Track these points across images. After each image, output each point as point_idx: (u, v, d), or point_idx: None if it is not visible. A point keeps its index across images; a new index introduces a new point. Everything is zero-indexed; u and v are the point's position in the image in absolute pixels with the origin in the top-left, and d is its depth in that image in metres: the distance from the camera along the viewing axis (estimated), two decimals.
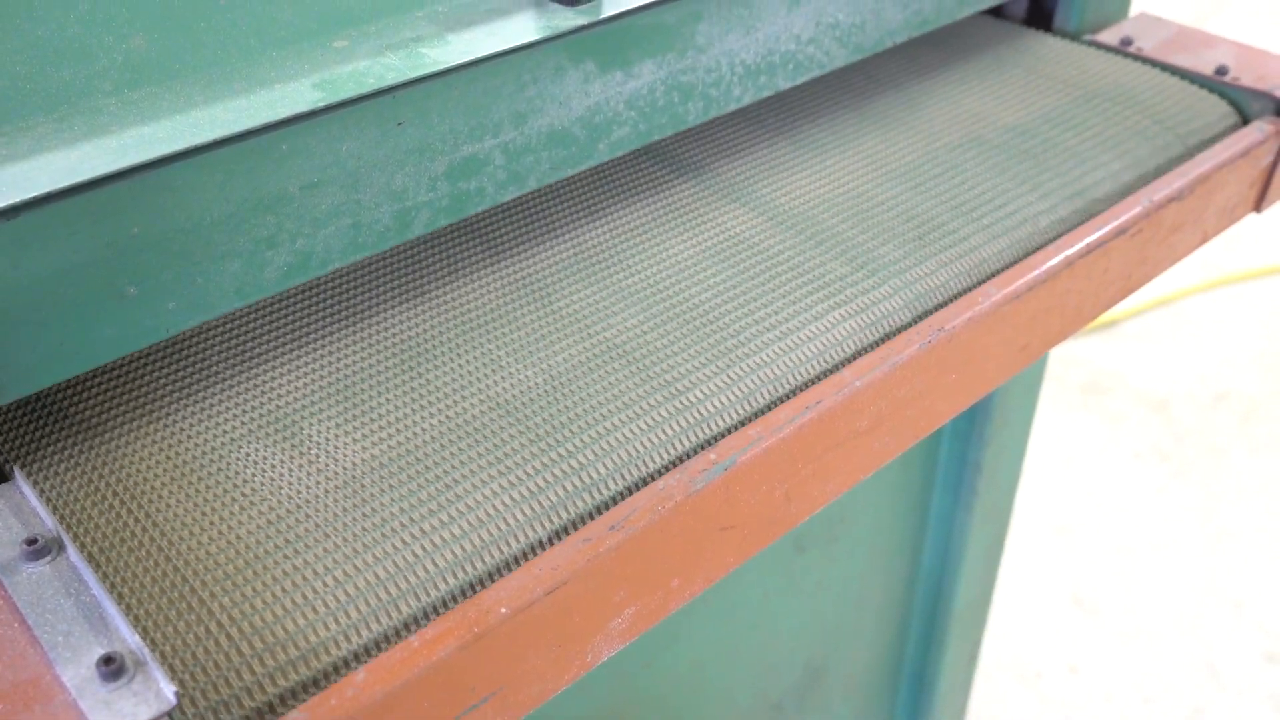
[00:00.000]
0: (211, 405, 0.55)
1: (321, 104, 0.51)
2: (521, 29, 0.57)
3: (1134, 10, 0.95)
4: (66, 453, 0.51)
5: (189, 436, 0.52)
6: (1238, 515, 1.86)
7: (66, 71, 0.51)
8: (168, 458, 0.51)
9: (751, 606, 1.02)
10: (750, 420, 0.54)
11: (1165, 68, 0.85)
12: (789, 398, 0.56)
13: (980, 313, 0.61)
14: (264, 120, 0.50)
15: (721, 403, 0.55)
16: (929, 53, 0.89)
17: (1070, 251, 0.66)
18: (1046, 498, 1.91)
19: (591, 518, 0.49)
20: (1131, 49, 0.87)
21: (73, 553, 0.44)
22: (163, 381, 0.56)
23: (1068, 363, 2.19)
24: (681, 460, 0.52)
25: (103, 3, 0.52)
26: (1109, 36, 0.89)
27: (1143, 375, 2.17)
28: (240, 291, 0.52)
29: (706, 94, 0.67)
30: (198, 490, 0.49)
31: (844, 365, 0.57)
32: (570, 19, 0.58)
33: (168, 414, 0.54)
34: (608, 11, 0.59)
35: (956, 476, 1.14)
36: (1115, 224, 0.68)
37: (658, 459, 0.52)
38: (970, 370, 0.63)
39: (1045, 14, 0.93)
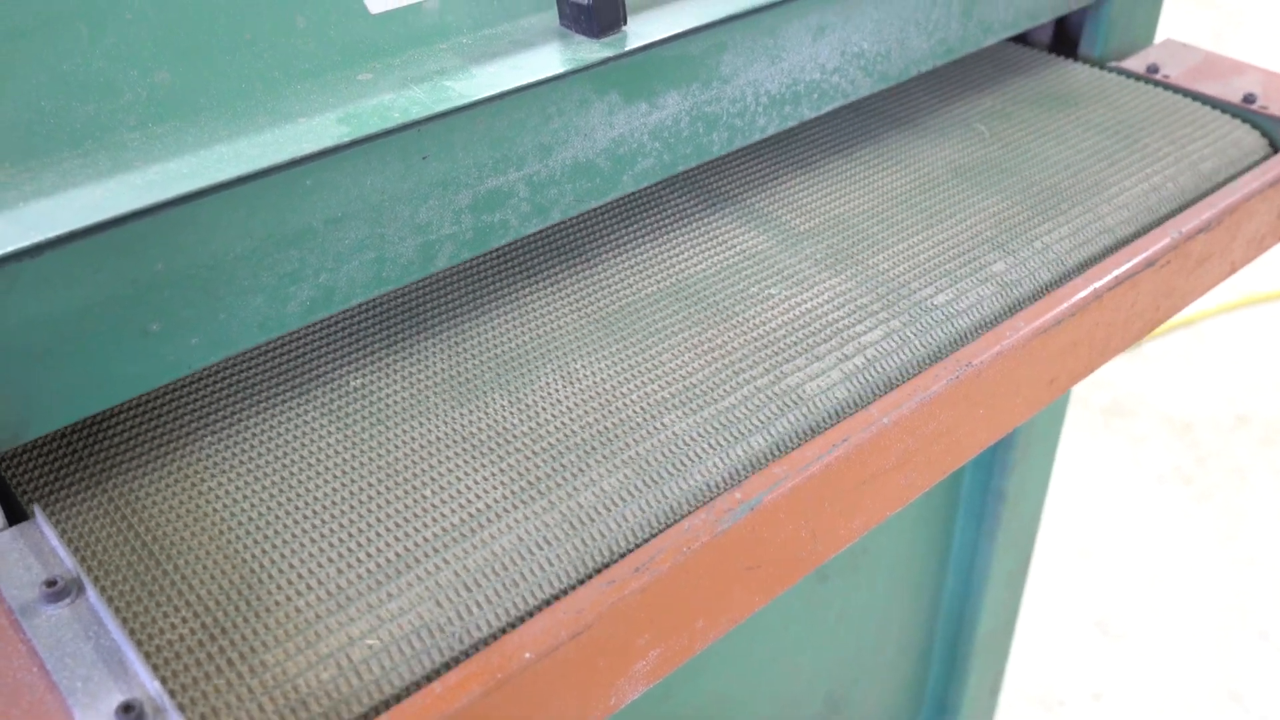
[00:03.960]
0: (235, 442, 0.54)
1: (346, 139, 0.51)
2: (546, 61, 0.57)
3: (1159, 35, 0.94)
4: (89, 491, 0.51)
5: (212, 475, 0.52)
6: (1262, 539, 1.84)
7: (91, 106, 0.51)
8: (190, 497, 0.51)
9: (772, 637, 1.01)
10: (778, 456, 0.54)
11: (1192, 95, 0.84)
12: (818, 432, 0.55)
13: (1008, 347, 0.60)
14: (288, 156, 0.50)
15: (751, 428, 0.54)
16: (953, 80, 0.88)
17: (1099, 284, 0.65)
18: (1069, 521, 1.89)
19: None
20: (1158, 76, 0.86)
21: (92, 595, 0.44)
22: (186, 418, 0.55)
23: (1090, 385, 2.17)
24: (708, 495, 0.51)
25: (127, 37, 0.52)
26: (1135, 64, 0.88)
27: (1165, 397, 2.15)
28: (263, 326, 0.52)
29: (731, 124, 0.66)
30: (220, 532, 0.49)
31: (871, 402, 0.56)
32: (595, 51, 0.58)
33: (191, 451, 0.53)
34: (633, 43, 0.59)
35: (979, 505, 1.13)
36: (1143, 256, 0.67)
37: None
38: (998, 405, 0.62)
39: (1070, 40, 0.92)
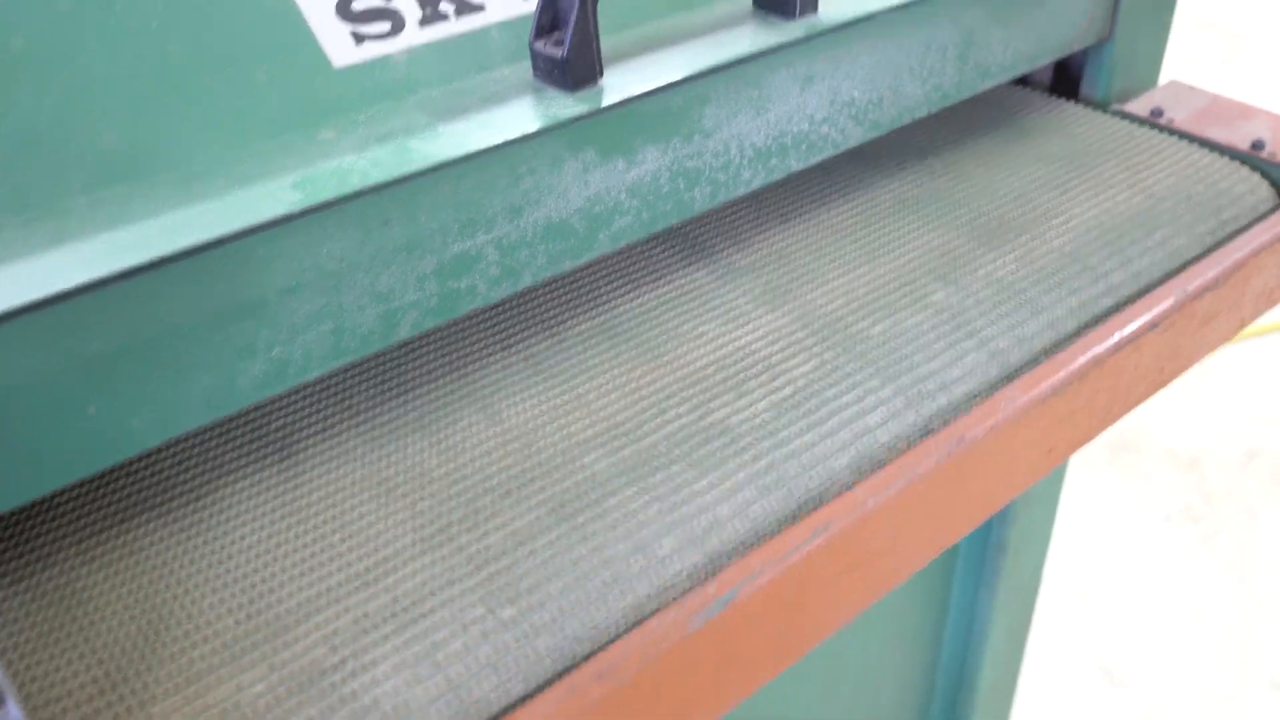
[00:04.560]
0: (144, 486, 0.52)
1: (299, 207, 0.48)
2: (517, 118, 0.54)
3: (1164, 75, 0.91)
4: (19, 584, 0.48)
5: (120, 520, 0.50)
6: (1272, 581, 1.80)
7: (35, 168, 0.48)
8: (128, 590, 0.48)
9: (764, 697, 0.98)
10: (756, 543, 0.51)
11: (1198, 141, 0.81)
12: (798, 518, 0.52)
13: (1003, 420, 0.57)
14: (239, 226, 0.47)
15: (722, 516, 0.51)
16: (950, 123, 0.85)
17: (1099, 349, 0.62)
18: (1072, 561, 1.85)
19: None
20: (1162, 120, 0.84)
21: (12, 708, 0.41)
22: (123, 501, 0.53)
23: None
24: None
25: (75, 94, 0.49)
26: (1139, 107, 0.86)
27: (1172, 432, 2.11)
28: (211, 405, 0.49)
29: (714, 179, 0.64)
30: (124, 581, 0.47)
31: (856, 482, 0.53)
32: (569, 107, 0.55)
33: (128, 537, 0.51)
34: (610, 98, 0.56)
35: (979, 557, 1.10)
36: (1146, 318, 0.64)
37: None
38: (992, 479, 0.59)
39: (1072, 82, 0.89)
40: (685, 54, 0.60)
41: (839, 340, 0.63)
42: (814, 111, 0.67)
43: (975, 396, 0.60)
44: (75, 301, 0.44)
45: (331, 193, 0.49)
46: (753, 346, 0.63)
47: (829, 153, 0.70)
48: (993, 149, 0.82)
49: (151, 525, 0.50)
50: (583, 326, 0.64)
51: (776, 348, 0.62)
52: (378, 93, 0.56)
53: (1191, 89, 0.88)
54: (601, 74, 0.57)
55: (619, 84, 0.57)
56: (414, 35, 0.58)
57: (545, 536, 0.50)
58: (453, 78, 0.58)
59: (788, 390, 0.59)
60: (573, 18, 0.55)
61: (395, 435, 0.57)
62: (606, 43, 0.61)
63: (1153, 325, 0.64)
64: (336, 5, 0.56)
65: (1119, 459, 2.06)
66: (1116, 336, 0.62)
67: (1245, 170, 0.78)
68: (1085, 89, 0.89)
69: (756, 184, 0.66)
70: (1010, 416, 0.57)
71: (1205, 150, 0.80)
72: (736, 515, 0.52)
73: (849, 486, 0.53)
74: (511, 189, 0.55)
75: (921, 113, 0.74)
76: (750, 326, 0.64)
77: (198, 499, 0.52)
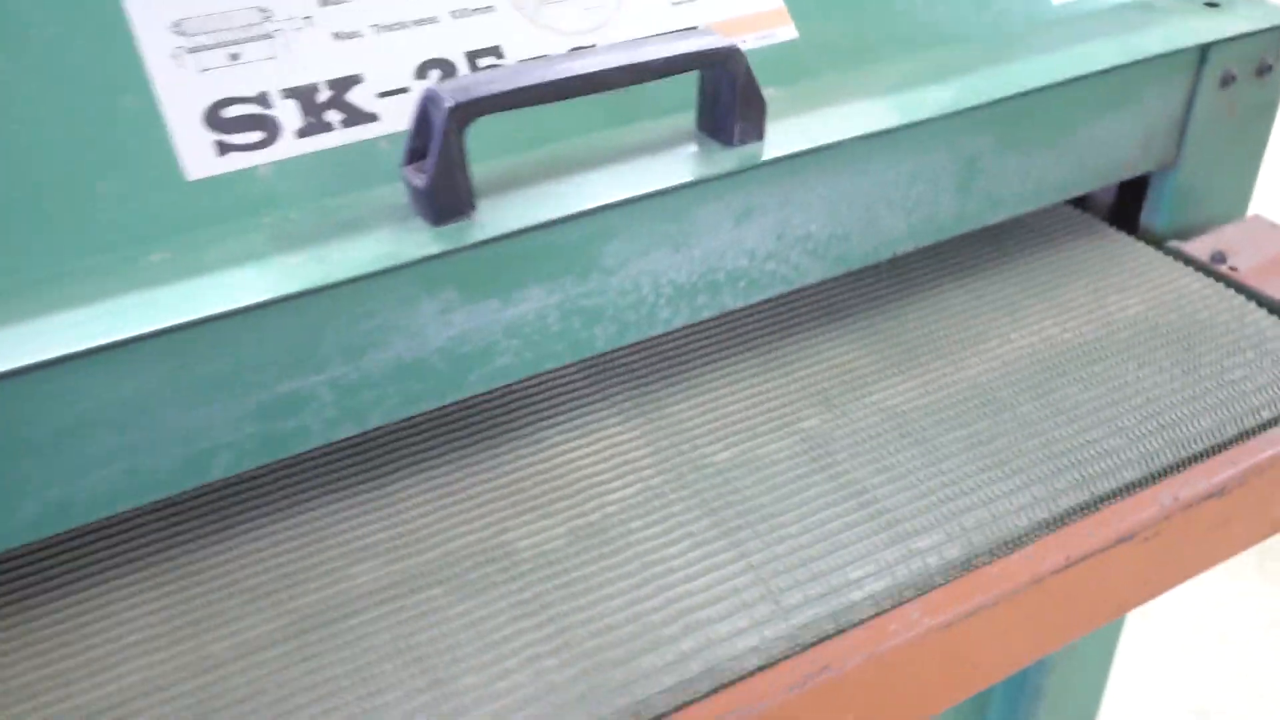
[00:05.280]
0: None
1: (92, 343, 0.45)
2: (366, 253, 0.50)
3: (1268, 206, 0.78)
4: None
5: None
6: None
7: None
8: None
9: None
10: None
11: (1258, 299, 0.69)
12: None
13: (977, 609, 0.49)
14: (24, 362, 0.44)
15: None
16: (976, 243, 0.75)
17: (1071, 556, 0.52)
18: (1192, 681, 1.67)
19: None
20: (1223, 268, 0.71)
21: None
22: None
23: None
24: None
25: None
26: (1201, 247, 0.73)
27: None
28: None
29: (621, 318, 0.57)
30: None
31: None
32: (425, 244, 0.50)
33: None
34: (477, 235, 0.51)
35: (1012, 706, 0.99)
36: (1118, 527, 0.54)
37: None
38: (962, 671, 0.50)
39: (1131, 209, 0.78)
40: (590, 183, 0.54)
41: (677, 464, 0.58)
42: (755, 247, 0.59)
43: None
44: None
45: (134, 329, 0.46)
46: (584, 462, 0.59)
47: (779, 290, 0.62)
48: (978, 265, 0.73)
49: None
50: (417, 418, 0.61)
51: (608, 465, 0.58)
52: (230, 210, 0.52)
53: (1273, 228, 0.75)
54: (473, 206, 0.52)
55: (495, 218, 0.52)
56: (288, 146, 0.54)
57: (271, 651, 0.48)
58: (323, 195, 0.53)
59: (594, 516, 0.55)
60: (436, 147, 0.50)
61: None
62: (508, 163, 0.55)
63: (1122, 537, 0.54)
64: (205, 111, 0.52)
65: (1270, 566, 1.85)
66: (1092, 541, 0.53)
67: None
68: (1146, 218, 0.77)
69: (680, 322, 0.60)
70: (987, 606, 0.48)
71: (1264, 311, 0.68)
72: (486, 649, 0.48)
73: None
74: (349, 329, 0.50)
75: (908, 247, 0.65)
76: (594, 438, 0.60)
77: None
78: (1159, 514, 0.55)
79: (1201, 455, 0.59)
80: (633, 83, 0.52)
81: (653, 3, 0.61)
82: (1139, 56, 0.66)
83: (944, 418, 0.61)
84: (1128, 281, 0.71)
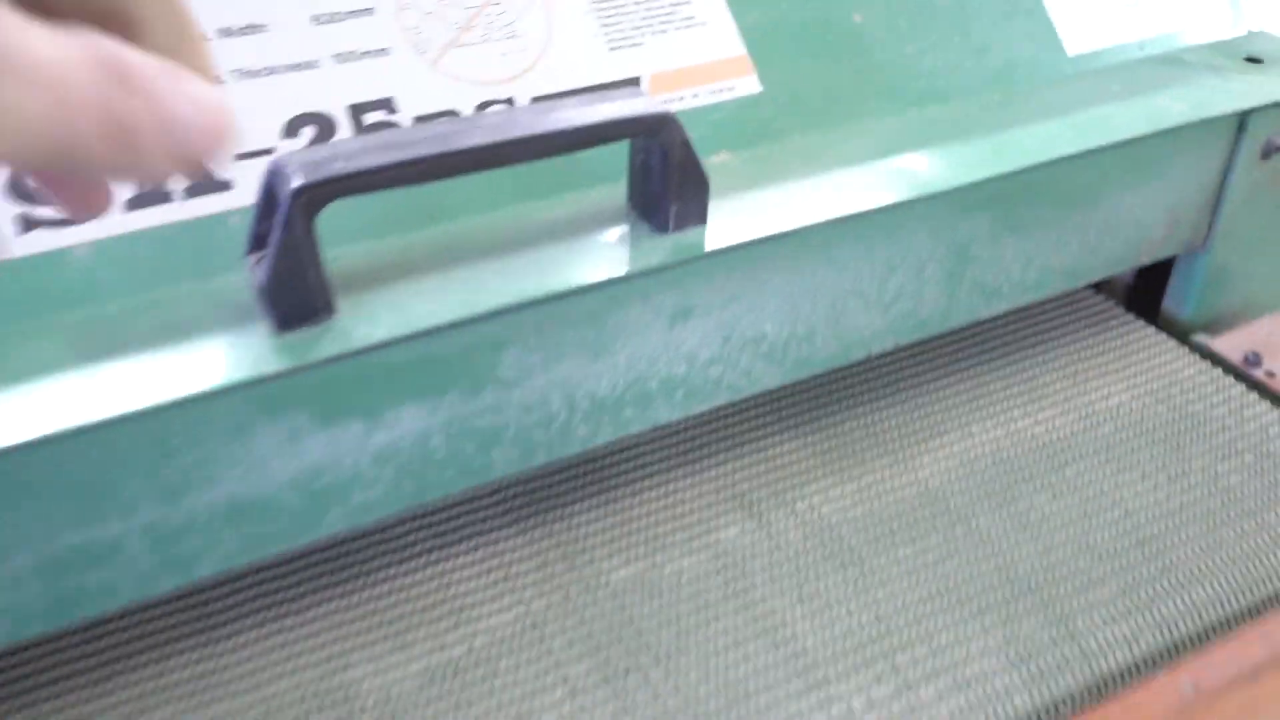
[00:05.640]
0: None
1: None
2: (187, 370, 0.39)
3: None
4: None
5: None
6: None
7: None
8: None
9: None
10: None
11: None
12: None
13: None
14: None
15: None
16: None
17: None
18: None
19: None
20: (1258, 373, 0.61)
21: None
22: None
23: None
24: None
25: None
26: (1232, 345, 0.63)
27: None
28: None
29: (525, 439, 0.47)
30: None
31: None
32: (264, 359, 0.40)
33: None
34: (334, 347, 0.40)
35: None
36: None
37: None
38: None
39: (1151, 295, 0.67)
40: (485, 278, 0.44)
41: (566, 583, 0.49)
42: (695, 351, 0.49)
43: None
44: None
45: None
46: (456, 576, 0.50)
47: (726, 399, 0.51)
48: (950, 345, 0.62)
49: None
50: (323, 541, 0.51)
51: (484, 582, 0.50)
52: (31, 304, 0.41)
53: None
54: (332, 308, 0.41)
55: (357, 323, 0.41)
56: (113, 222, 0.43)
57: None
58: (153, 285, 0.43)
59: (456, 651, 0.46)
60: (278, 236, 0.39)
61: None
62: (383, 247, 0.45)
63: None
64: (7, 180, 0.42)
65: None
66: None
67: None
68: (1169, 305, 0.66)
69: (603, 439, 0.49)
70: None
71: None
72: None
73: None
74: (165, 464, 0.39)
75: (885, 345, 0.55)
76: (471, 543, 0.51)
77: None
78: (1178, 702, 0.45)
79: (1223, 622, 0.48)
80: (537, 157, 0.42)
81: (586, 47, 0.51)
82: (1168, 125, 0.56)
83: (884, 532, 0.52)
84: (1126, 367, 0.61)
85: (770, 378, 0.52)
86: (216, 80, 0.29)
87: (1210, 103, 0.57)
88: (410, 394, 0.43)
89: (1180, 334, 0.64)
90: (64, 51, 0.20)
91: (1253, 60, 0.63)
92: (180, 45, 0.24)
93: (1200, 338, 0.63)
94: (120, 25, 0.23)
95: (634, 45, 0.51)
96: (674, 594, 0.49)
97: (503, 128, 0.40)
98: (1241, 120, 0.58)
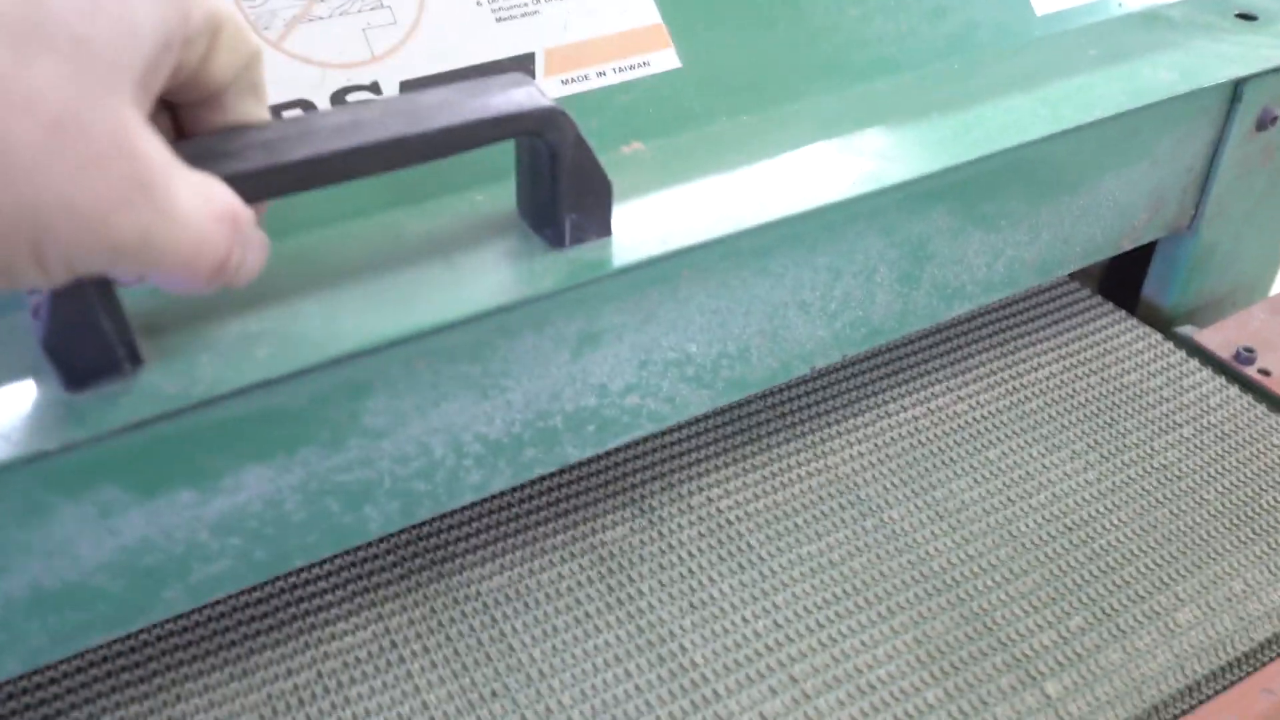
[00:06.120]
0: None
1: None
2: None
3: None
4: None
5: None
6: None
7: None
8: None
9: None
10: None
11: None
12: None
13: None
14: None
15: None
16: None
17: None
18: None
19: None
20: (1250, 370, 0.54)
21: None
22: None
23: None
24: None
25: None
26: (1221, 339, 0.56)
27: None
28: None
29: (403, 491, 0.40)
30: None
31: None
32: (49, 429, 0.32)
33: None
34: (138, 410, 0.33)
35: None
36: None
37: None
38: None
39: (1131, 279, 0.60)
40: (339, 311, 0.36)
41: (430, 594, 0.44)
42: (607, 381, 0.42)
43: None
44: None
45: None
46: (312, 591, 0.44)
47: (649, 429, 0.44)
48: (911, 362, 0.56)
49: None
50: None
51: (339, 595, 0.44)
52: None
53: None
54: (135, 359, 0.34)
55: (172, 378, 0.34)
56: None
57: None
58: None
59: (304, 676, 0.41)
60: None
61: None
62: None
63: None
64: None
65: None
66: None
67: None
68: (1149, 292, 0.59)
69: (499, 487, 0.42)
70: None
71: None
72: None
73: None
74: None
75: (833, 358, 0.48)
76: (340, 561, 0.45)
77: None
78: None
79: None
80: (393, 168, 0.34)
81: (467, 18, 0.43)
82: (1155, 98, 0.48)
83: (787, 528, 0.47)
84: (1059, 334, 0.55)
85: (699, 403, 0.45)
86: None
87: (1202, 70, 0.50)
88: (249, 455, 0.36)
89: (1160, 325, 0.57)
90: (202, 203, 0.27)
91: (1245, 17, 0.55)
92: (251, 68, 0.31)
93: (1185, 329, 0.57)
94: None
95: (526, 14, 0.43)
96: (551, 604, 0.44)
97: (344, 132, 0.33)
98: (1235, 89, 0.51)
